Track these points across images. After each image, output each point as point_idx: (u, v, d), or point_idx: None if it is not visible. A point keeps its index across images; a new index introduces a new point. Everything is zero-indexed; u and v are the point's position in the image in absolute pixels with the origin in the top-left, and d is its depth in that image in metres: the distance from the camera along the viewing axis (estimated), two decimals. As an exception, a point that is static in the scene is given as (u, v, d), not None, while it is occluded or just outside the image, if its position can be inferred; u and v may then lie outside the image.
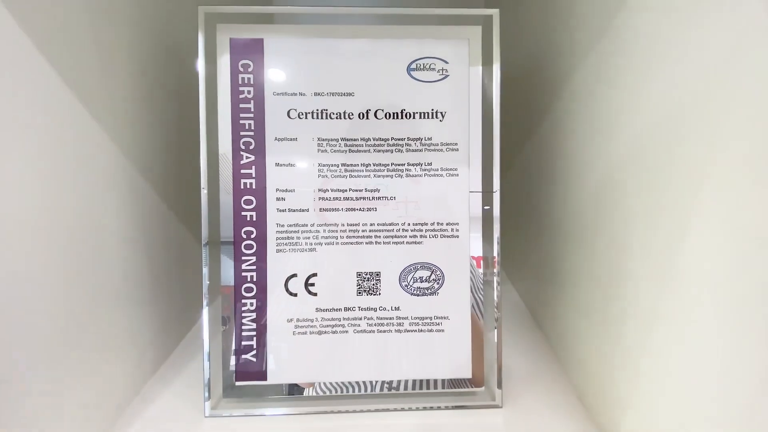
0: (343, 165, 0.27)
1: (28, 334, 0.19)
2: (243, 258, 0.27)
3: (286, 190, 0.27)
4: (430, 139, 0.27)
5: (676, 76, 0.19)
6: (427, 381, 0.28)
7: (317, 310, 0.27)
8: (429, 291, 0.28)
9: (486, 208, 0.27)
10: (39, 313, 0.20)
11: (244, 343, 0.27)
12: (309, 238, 0.27)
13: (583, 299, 0.28)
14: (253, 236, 0.27)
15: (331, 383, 0.27)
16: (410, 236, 0.27)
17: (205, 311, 0.27)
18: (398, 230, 0.27)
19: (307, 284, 0.27)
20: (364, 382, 0.27)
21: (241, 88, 0.27)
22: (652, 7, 0.20)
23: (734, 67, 0.15)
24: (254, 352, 0.27)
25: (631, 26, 0.22)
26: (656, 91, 0.20)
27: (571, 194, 0.30)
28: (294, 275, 0.27)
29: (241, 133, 0.27)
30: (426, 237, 0.27)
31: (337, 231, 0.27)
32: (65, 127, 0.22)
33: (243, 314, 0.27)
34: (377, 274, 0.27)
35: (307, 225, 0.27)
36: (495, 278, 0.27)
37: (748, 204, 0.15)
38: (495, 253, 0.27)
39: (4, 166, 0.18)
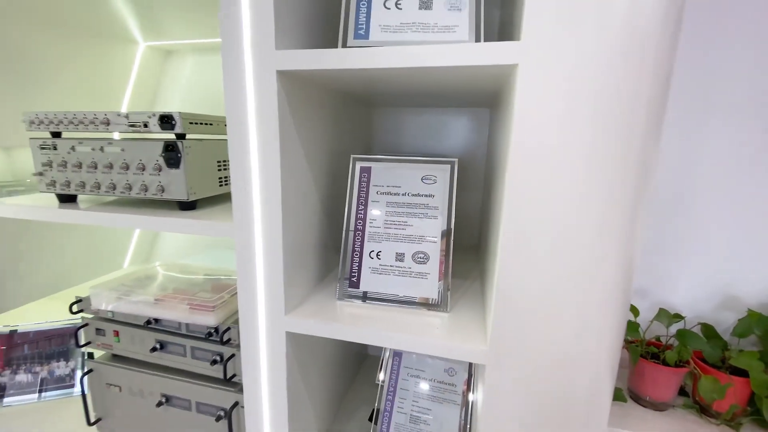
0: (395, 211, 0.73)
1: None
2: (354, 242, 0.73)
3: (374, 219, 0.74)
4: (427, 205, 0.72)
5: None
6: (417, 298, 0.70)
7: (380, 265, 0.72)
8: (423, 261, 0.71)
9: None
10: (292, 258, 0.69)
11: (352, 273, 0.73)
12: (379, 237, 0.73)
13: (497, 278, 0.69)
14: (360, 235, 0.74)
15: (383, 293, 0.71)
16: (417, 240, 0.72)
17: (341, 263, 0.73)
18: (413, 237, 0.72)
19: (377, 254, 0.73)
20: (396, 294, 0.71)
21: (361, 183, 0.75)
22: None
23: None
24: (355, 277, 0.72)
25: (520, 145, 0.66)
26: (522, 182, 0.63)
27: (496, 229, 0.72)
28: (372, 250, 0.73)
29: (359, 199, 0.75)
30: (423, 241, 0.71)
31: (390, 235, 0.73)
32: (329, 189, 0.72)
33: (353, 264, 0.73)
34: (403, 254, 0.72)
35: (379, 233, 0.73)
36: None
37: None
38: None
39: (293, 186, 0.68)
